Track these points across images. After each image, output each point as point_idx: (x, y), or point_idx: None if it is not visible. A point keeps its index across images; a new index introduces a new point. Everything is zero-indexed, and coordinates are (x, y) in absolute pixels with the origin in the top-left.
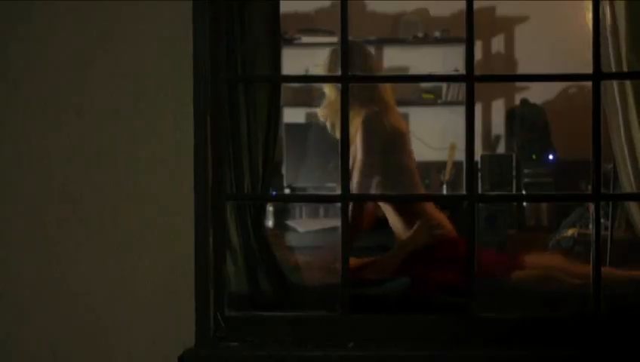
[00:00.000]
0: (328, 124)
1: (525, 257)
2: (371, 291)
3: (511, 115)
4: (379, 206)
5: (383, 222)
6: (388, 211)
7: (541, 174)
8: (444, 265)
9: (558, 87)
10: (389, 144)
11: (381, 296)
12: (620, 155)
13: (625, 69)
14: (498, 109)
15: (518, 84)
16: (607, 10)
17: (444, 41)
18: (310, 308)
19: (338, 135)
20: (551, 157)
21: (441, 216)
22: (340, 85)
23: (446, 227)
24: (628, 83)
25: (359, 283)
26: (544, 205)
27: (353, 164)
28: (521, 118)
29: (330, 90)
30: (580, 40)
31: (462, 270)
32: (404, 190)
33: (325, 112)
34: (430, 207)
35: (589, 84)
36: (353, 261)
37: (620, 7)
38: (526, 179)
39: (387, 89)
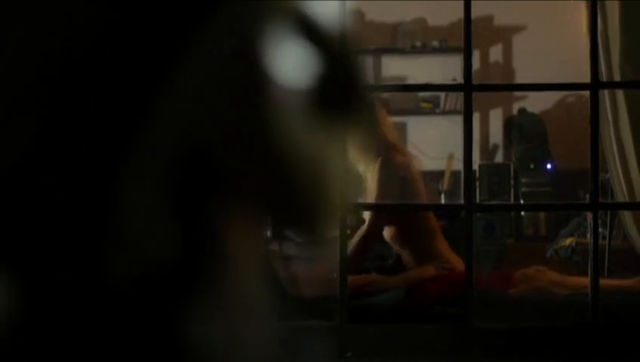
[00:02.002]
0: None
1: (515, 273)
2: (365, 302)
3: (509, 124)
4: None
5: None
6: (403, 253)
7: (539, 184)
8: (440, 277)
9: (556, 95)
10: (404, 183)
11: (375, 306)
12: (613, 165)
13: (618, 79)
14: (496, 118)
15: (516, 93)
16: (601, 20)
17: (443, 50)
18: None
19: None
20: (549, 166)
21: (453, 257)
22: None
23: (456, 267)
24: (620, 94)
25: (353, 295)
26: (542, 214)
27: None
28: (519, 128)
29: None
30: (578, 49)
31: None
32: (420, 235)
33: None
34: (446, 250)
35: (587, 93)
36: (352, 278)
37: (614, 18)
38: (524, 189)
39: (390, 130)
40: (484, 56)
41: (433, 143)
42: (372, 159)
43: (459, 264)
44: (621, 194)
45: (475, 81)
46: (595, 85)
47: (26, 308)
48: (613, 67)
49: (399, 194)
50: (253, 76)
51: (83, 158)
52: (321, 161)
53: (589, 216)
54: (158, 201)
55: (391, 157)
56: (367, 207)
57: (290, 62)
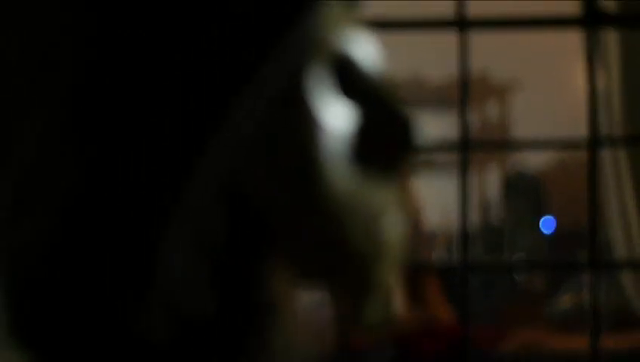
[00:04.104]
0: None
1: (512, 331)
2: None
3: (505, 185)
4: None
5: None
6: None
7: (536, 245)
8: (434, 333)
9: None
10: None
11: None
12: (613, 222)
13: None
14: (492, 174)
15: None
16: (600, 76)
17: (438, 106)
18: None
19: None
20: (546, 229)
21: (442, 311)
22: None
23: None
24: (622, 151)
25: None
26: (541, 272)
27: None
28: (514, 190)
29: None
30: (576, 105)
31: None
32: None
33: None
34: (435, 301)
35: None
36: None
37: (614, 74)
38: (520, 253)
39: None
40: (480, 112)
41: (427, 201)
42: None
43: (452, 315)
44: (621, 253)
45: (471, 138)
46: (594, 143)
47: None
48: (614, 124)
49: None
50: (301, 122)
51: (125, 206)
52: (373, 222)
53: (587, 275)
54: (201, 253)
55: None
56: None
57: (338, 112)
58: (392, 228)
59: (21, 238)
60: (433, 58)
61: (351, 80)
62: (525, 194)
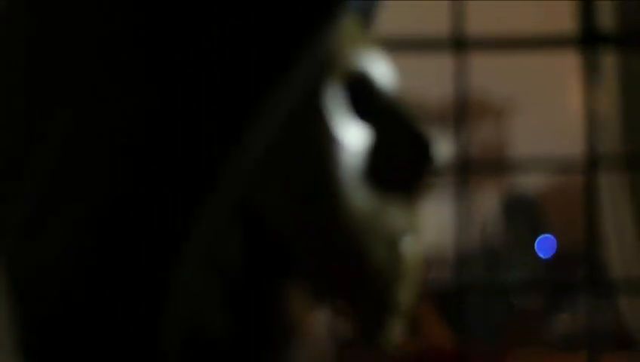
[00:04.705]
0: None
1: (512, 353)
2: None
3: (502, 206)
4: None
5: None
6: None
7: (534, 266)
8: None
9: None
10: None
11: None
12: (610, 243)
13: (616, 157)
14: (489, 195)
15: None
16: (598, 97)
17: (433, 126)
18: None
19: None
20: (545, 249)
21: (440, 339)
22: None
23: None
24: (620, 173)
25: None
26: (539, 293)
27: None
28: (512, 211)
29: None
30: (573, 125)
31: None
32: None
33: None
34: (432, 331)
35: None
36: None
37: (612, 95)
38: (518, 274)
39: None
40: (476, 132)
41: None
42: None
43: (450, 340)
44: (618, 273)
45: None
46: (591, 167)
47: None
48: (612, 145)
49: None
50: (316, 141)
51: (141, 229)
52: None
53: (585, 295)
54: (214, 275)
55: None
56: None
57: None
58: (410, 248)
59: (37, 256)
60: (429, 78)
61: (367, 98)
62: (522, 215)
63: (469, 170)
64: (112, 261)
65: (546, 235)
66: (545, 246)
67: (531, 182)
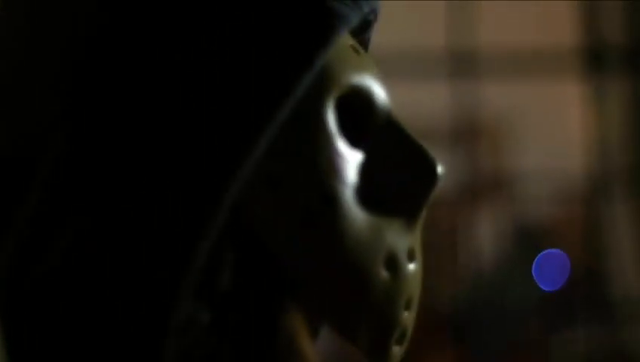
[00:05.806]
0: None
1: None
2: None
3: (501, 231)
4: None
5: None
6: None
7: (534, 293)
8: None
9: (554, 188)
10: None
11: None
12: (612, 265)
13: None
14: (486, 221)
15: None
16: (599, 115)
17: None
18: None
19: None
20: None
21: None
22: None
23: None
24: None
25: None
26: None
27: None
28: (511, 237)
29: None
30: (574, 149)
31: None
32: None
33: None
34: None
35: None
36: None
37: (615, 118)
38: (518, 300)
39: None
40: (472, 154)
41: None
42: None
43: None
44: (619, 291)
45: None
46: (592, 202)
47: None
48: (613, 162)
49: None
50: (312, 158)
51: (137, 254)
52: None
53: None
54: (204, 298)
55: None
56: None
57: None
58: (412, 270)
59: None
60: (424, 100)
61: (366, 115)
62: (522, 241)
63: (465, 194)
64: (111, 286)
65: (552, 254)
66: (550, 268)
67: (532, 205)
